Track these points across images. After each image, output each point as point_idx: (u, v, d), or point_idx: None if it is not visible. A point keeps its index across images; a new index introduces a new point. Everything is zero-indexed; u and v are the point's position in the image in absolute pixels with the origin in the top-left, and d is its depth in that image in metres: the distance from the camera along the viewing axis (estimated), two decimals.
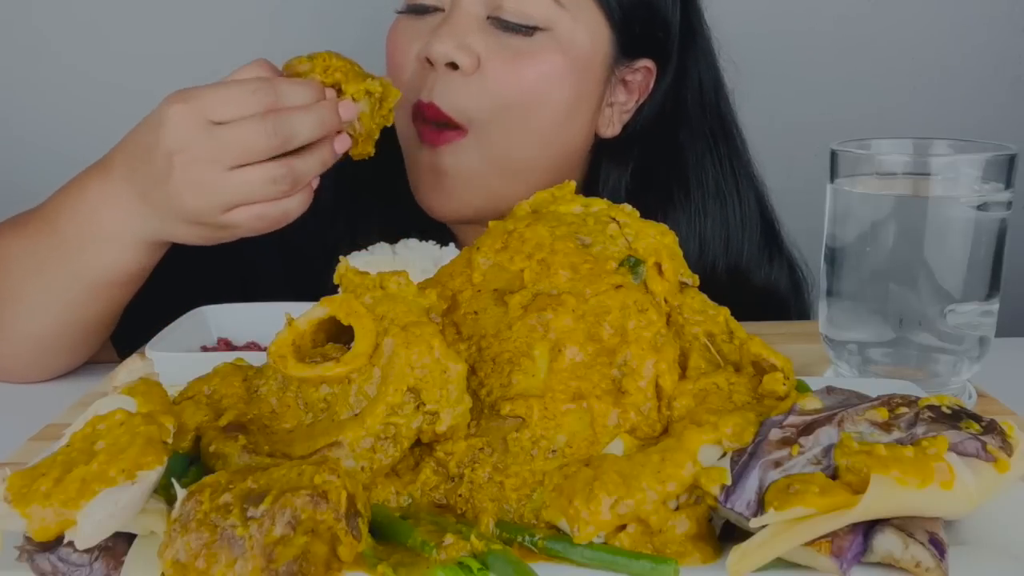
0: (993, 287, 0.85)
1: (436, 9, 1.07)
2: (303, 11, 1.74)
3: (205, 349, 0.95)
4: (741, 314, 0.76)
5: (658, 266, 0.73)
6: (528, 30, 1.04)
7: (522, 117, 1.05)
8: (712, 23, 1.21)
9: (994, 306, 0.86)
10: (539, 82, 1.04)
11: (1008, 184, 0.83)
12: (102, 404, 0.59)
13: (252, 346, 0.96)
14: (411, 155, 1.10)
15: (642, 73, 1.14)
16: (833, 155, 0.87)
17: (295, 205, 0.87)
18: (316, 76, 0.88)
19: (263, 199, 0.85)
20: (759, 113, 1.29)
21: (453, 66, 1.03)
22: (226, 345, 0.97)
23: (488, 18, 1.05)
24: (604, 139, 1.16)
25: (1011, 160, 0.83)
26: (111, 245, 0.92)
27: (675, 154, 1.17)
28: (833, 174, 0.87)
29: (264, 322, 0.94)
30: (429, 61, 1.05)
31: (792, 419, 0.60)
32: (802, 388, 0.70)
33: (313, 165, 0.86)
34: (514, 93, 1.04)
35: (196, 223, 0.87)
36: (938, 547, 0.54)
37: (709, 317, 0.73)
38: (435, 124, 1.06)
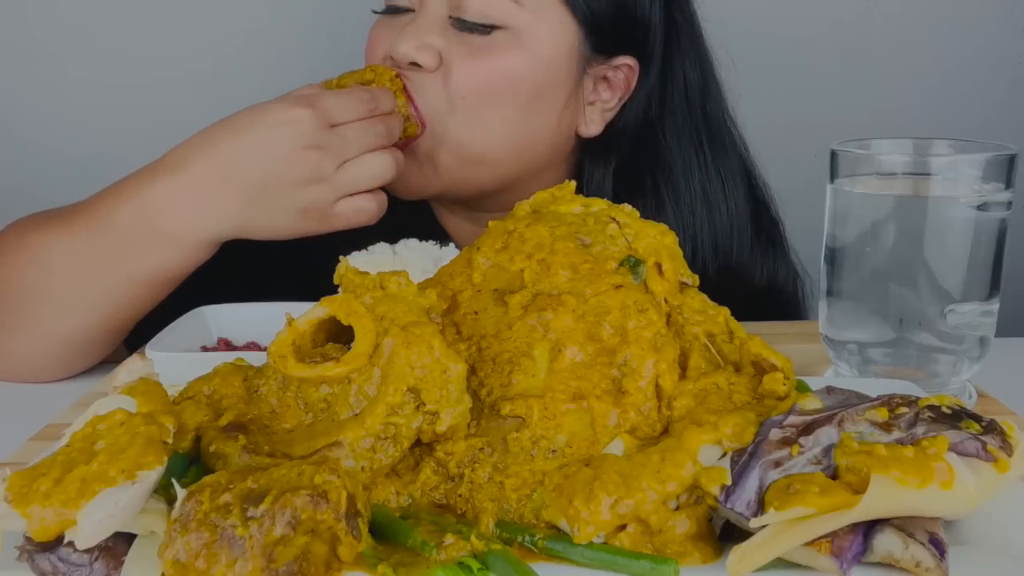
0: (993, 287, 0.85)
1: (408, 10, 1.10)
2: (303, 8, 1.74)
3: (205, 349, 0.95)
4: (742, 313, 0.76)
5: (658, 266, 0.73)
6: (486, 28, 1.06)
7: (479, 110, 1.07)
8: (712, 24, 1.21)
9: (994, 306, 0.86)
10: (498, 76, 1.07)
11: (1008, 184, 0.83)
12: (102, 404, 0.59)
13: (252, 346, 0.96)
14: None
15: (624, 71, 1.14)
16: (833, 155, 0.87)
17: (385, 199, 1.01)
18: (386, 85, 1.04)
19: (367, 188, 0.98)
20: (759, 113, 1.29)
21: (417, 65, 1.06)
22: (226, 345, 0.97)
23: (450, 18, 1.07)
24: (588, 138, 1.16)
25: (1011, 160, 0.83)
26: (173, 245, 0.96)
27: (661, 154, 1.17)
28: (833, 174, 0.87)
29: (264, 322, 0.94)
30: (392, 59, 1.08)
31: (792, 419, 0.60)
32: (802, 388, 0.70)
33: (401, 155, 1.02)
34: (473, 87, 1.06)
35: (304, 215, 0.97)
36: (938, 547, 0.54)
37: (709, 317, 0.73)
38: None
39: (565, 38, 1.10)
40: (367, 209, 0.99)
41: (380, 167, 0.98)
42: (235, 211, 0.95)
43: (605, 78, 1.14)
